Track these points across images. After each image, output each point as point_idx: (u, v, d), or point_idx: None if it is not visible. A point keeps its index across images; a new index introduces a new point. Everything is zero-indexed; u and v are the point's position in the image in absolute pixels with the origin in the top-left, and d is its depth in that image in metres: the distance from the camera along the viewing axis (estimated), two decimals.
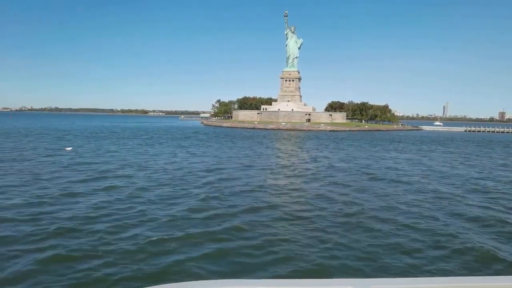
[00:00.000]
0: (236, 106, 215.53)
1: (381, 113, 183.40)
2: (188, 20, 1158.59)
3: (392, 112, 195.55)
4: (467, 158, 48.66)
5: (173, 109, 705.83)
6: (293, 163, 38.08)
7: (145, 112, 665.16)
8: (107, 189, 22.68)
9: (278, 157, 44.78)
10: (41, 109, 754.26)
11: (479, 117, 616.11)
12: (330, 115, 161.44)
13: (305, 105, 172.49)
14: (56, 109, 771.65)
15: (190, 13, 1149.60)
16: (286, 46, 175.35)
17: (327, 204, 19.96)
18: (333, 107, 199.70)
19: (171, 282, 1.76)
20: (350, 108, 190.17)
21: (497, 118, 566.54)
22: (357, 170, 33.42)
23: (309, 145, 63.57)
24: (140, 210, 17.89)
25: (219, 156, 42.98)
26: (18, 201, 19.02)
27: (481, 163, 43.10)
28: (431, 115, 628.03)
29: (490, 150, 64.31)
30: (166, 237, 14.12)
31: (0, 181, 24.18)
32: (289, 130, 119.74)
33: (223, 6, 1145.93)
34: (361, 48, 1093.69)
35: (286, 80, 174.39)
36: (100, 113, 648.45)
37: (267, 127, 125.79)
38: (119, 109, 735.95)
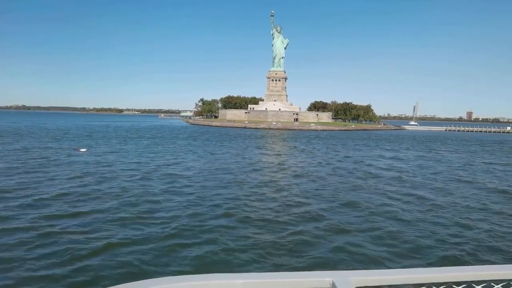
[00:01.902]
0: (219, 105, 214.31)
1: (364, 113, 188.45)
2: (167, 18, 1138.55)
3: (374, 112, 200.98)
4: None
5: (147, 108, 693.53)
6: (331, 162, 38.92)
7: (120, 110, 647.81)
8: (167, 185, 22.57)
9: (302, 156, 45.48)
10: (7, 107, 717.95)
11: (448, 117, 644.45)
12: (317, 114, 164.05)
13: (291, 104, 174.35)
14: (24, 107, 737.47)
15: (170, 12, 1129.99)
16: (273, 46, 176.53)
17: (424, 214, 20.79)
18: (317, 106, 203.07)
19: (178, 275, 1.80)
20: (333, 108, 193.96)
21: (465, 118, 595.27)
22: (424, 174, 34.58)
23: (322, 145, 64.62)
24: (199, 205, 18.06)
25: (244, 156, 43.18)
26: (90, 197, 18.69)
27: None
28: (402, 115, 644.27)
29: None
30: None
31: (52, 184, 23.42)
32: (281, 129, 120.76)
33: (204, 4, 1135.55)
34: (333, 48, 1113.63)
35: (272, 80, 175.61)
36: (72, 112, 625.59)
37: (258, 127, 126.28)
38: (91, 107, 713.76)
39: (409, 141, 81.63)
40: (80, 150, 45.04)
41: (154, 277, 1.64)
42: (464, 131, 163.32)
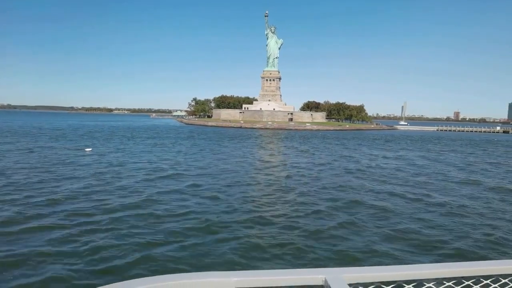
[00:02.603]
0: (212, 104, 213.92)
1: (357, 113, 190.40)
2: (164, 18, 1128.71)
3: (366, 112, 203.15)
4: None
5: (138, 107, 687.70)
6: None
7: (110, 110, 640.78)
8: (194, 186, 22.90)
9: (303, 156, 46.08)
10: None
11: (436, 117, 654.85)
12: (311, 114, 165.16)
13: (285, 104, 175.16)
14: (9, 106, 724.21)
15: (162, 12, 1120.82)
16: (267, 46, 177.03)
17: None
18: (310, 106, 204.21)
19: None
20: (326, 107, 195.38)
21: (453, 118, 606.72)
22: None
23: (320, 145, 65.33)
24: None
25: (247, 156, 43.61)
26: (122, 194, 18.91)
27: None
28: (390, 115, 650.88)
29: None
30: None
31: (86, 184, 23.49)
32: (277, 129, 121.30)
33: (202, 4, 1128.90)
34: (325, 47, 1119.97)
35: (267, 80, 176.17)
36: (60, 111, 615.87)
37: (254, 126, 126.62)
38: (80, 106, 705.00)
39: (406, 141, 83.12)
40: (86, 150, 44.97)
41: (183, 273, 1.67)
42: (455, 131, 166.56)
